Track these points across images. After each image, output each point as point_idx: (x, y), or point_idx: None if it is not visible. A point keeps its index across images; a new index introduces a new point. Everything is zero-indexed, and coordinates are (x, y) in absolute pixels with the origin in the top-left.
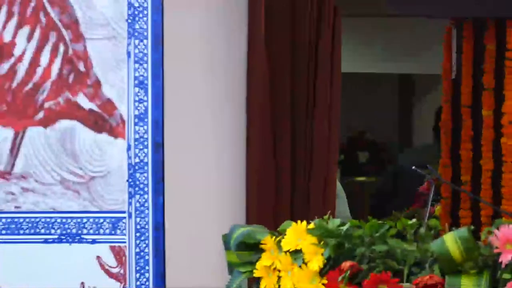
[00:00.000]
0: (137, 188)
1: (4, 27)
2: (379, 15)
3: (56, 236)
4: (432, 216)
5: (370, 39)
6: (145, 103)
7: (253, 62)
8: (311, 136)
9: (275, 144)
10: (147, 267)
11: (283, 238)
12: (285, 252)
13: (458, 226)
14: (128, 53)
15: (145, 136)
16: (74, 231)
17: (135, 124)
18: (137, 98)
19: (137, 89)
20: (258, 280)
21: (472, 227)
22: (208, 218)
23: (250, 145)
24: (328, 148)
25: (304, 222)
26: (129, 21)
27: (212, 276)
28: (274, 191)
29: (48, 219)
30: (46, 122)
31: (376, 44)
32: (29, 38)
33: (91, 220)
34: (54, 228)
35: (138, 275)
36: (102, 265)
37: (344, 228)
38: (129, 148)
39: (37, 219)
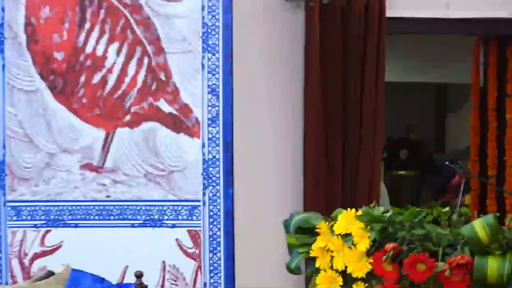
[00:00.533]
0: (210, 181)
1: (97, 42)
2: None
3: (141, 221)
4: (463, 205)
5: (410, 53)
6: (217, 108)
7: (309, 71)
8: (359, 135)
9: (327, 142)
10: (218, 248)
11: (335, 223)
12: (337, 235)
13: (485, 213)
14: (202, 65)
15: (217, 135)
16: (156, 217)
17: (209, 125)
18: (210, 103)
19: (210, 95)
20: (313, 259)
21: (498, 214)
22: (270, 206)
23: (306, 144)
24: (374, 147)
25: (353, 210)
26: (203, 37)
27: (274, 255)
28: (327, 182)
29: (134, 207)
30: (132, 124)
31: (415, 56)
32: (118, 52)
33: (171, 207)
34: (139, 215)
35: (211, 254)
36: (180, 246)
37: (388, 215)
38: (203, 146)
39: (125, 207)
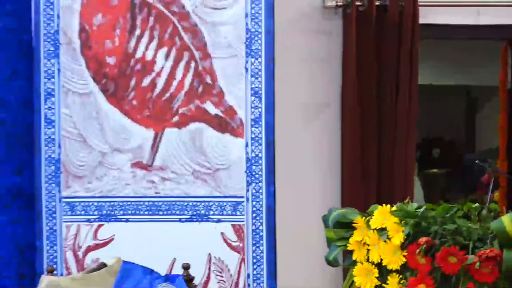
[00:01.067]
0: (253, 178)
1: (147, 48)
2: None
3: (188, 216)
4: (492, 201)
5: (442, 57)
6: (259, 109)
7: (346, 75)
8: (394, 137)
9: (363, 143)
10: (261, 241)
11: (371, 218)
12: (373, 229)
13: None
14: (246, 69)
15: (260, 135)
16: (202, 212)
17: (252, 126)
18: (253, 105)
19: (253, 97)
20: (350, 252)
21: None
22: (310, 202)
23: (344, 144)
24: (407, 148)
25: (388, 206)
26: (247, 43)
27: (313, 248)
28: (364, 179)
29: (182, 203)
30: (180, 125)
31: (446, 60)
32: (167, 57)
33: (216, 203)
34: (187, 210)
35: (254, 247)
36: (225, 240)
37: (421, 210)
38: (246, 145)
39: (173, 203)
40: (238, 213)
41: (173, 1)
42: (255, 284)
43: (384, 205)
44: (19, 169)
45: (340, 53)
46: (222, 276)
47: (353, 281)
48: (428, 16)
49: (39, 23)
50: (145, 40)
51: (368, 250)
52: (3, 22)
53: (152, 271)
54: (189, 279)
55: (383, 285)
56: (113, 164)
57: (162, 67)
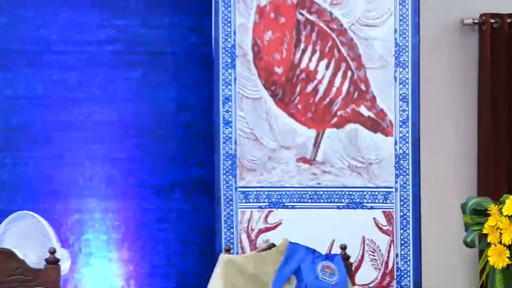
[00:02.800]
0: (401, 171)
1: (310, 59)
2: None
3: (345, 204)
4: None
5: None
6: (406, 112)
7: (482, 85)
8: None
9: (498, 143)
10: (408, 226)
11: (503, 206)
12: (505, 216)
13: None
14: (395, 78)
15: (407, 135)
16: (357, 200)
17: (400, 126)
18: (401, 109)
19: (401, 102)
20: (485, 235)
21: None
22: (450, 192)
23: (480, 144)
24: None
25: None
26: (395, 55)
27: (453, 232)
28: (497, 171)
29: (339, 192)
30: (338, 125)
31: None
32: (327, 67)
33: (369, 193)
34: (344, 199)
35: (401, 231)
36: (377, 224)
37: None
38: (395, 143)
39: (332, 192)
40: (388, 201)
41: (333, 19)
42: (402, 263)
43: None
44: (201, 163)
45: (476, 64)
46: (374, 256)
47: (487, 261)
48: None
49: (218, 38)
50: (308, 52)
51: (501, 233)
52: (188, 37)
53: (314, 250)
54: (345, 258)
55: None
56: (280, 159)
57: (323, 76)
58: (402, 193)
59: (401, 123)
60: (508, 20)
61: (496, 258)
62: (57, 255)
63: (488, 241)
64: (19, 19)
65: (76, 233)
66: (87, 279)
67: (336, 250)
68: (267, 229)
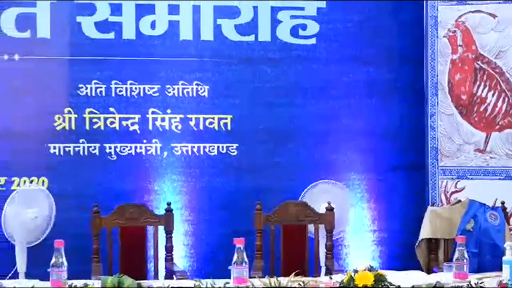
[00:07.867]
0: None
1: (482, 91)
2: None
3: (502, 177)
4: None
5: None
6: None
7: None
8: None
9: None
10: None
11: None
12: None
13: None
14: None
15: None
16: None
17: None
18: None
19: None
20: None
21: None
22: None
23: None
24: None
25: None
26: None
27: None
28: None
29: (500, 170)
30: (499, 130)
31: None
32: (492, 95)
33: None
34: (503, 174)
35: None
36: None
37: None
38: None
39: (496, 170)
40: None
41: (496, 66)
42: None
43: None
44: (417, 153)
45: None
46: None
47: None
48: None
49: (427, 79)
50: (481, 87)
51: None
52: (409, 79)
53: (484, 204)
54: (503, 209)
55: None
56: (464, 150)
57: (490, 101)
58: None
59: None
60: None
61: None
62: None
63: None
64: None
65: None
66: None
67: (498, 204)
68: (456, 192)
